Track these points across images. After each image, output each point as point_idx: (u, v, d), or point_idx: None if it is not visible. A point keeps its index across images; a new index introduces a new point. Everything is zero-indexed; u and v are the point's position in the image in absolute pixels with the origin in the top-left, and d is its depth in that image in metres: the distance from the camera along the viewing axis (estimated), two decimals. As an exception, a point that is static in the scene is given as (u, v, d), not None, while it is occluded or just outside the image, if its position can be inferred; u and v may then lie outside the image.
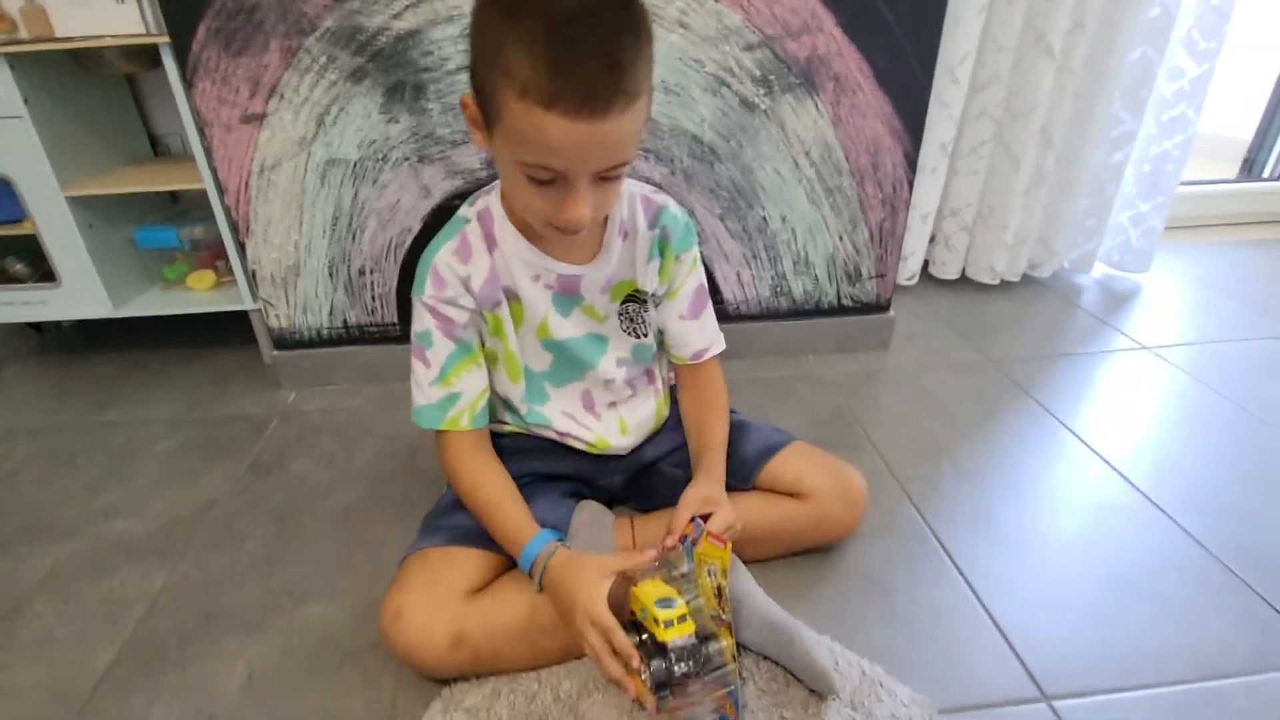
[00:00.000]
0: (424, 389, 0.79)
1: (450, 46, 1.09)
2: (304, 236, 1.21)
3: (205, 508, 1.04)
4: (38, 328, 1.57)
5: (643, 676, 0.65)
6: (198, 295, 1.39)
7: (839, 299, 1.39)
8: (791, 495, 0.87)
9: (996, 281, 1.67)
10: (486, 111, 0.63)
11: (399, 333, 1.32)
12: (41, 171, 1.20)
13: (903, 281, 1.66)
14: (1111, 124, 1.54)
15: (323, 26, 1.06)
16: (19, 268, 1.34)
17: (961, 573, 0.90)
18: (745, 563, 0.84)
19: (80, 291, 1.31)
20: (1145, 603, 0.85)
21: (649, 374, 0.91)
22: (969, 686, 0.75)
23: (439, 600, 0.73)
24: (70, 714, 0.75)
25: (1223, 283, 1.72)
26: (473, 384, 0.80)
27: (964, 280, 1.71)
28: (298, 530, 0.99)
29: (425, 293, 0.77)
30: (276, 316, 1.29)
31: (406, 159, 1.16)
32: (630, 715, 0.71)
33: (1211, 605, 0.85)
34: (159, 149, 1.48)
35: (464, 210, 0.79)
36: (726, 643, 0.68)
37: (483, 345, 0.82)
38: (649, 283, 0.83)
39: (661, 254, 0.82)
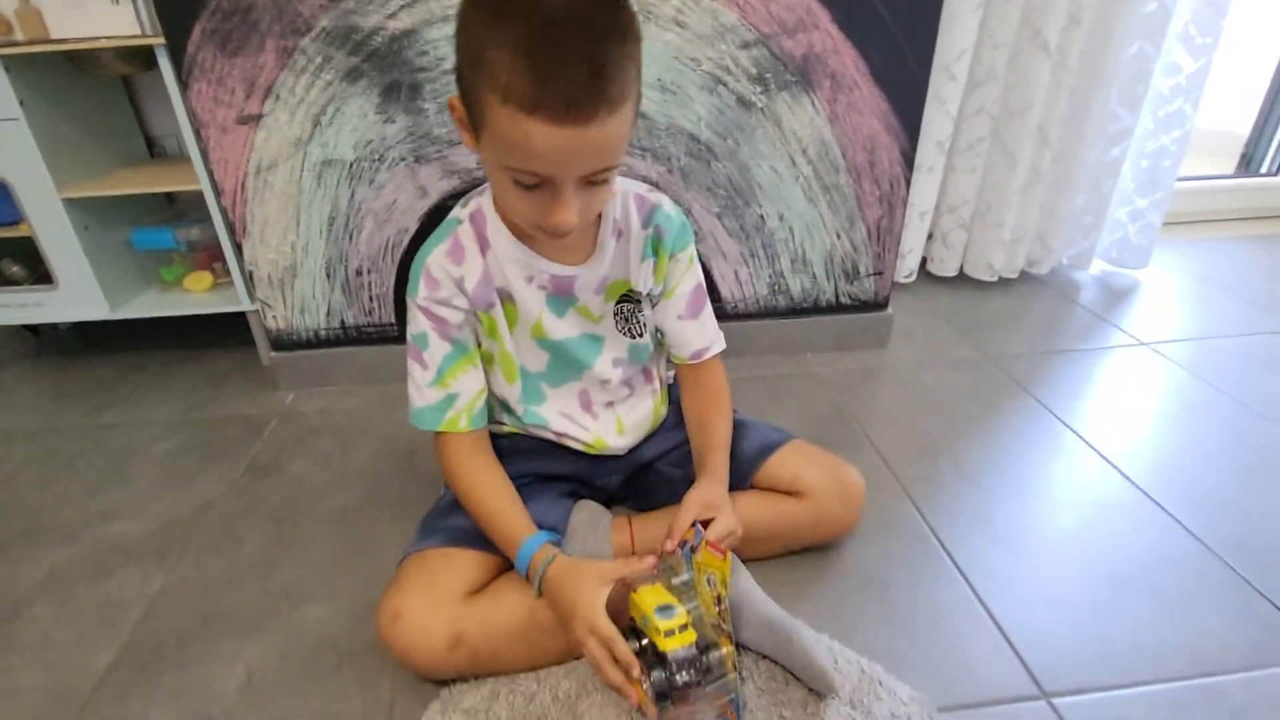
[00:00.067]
0: (422, 390, 0.79)
1: (446, 46, 1.09)
2: (301, 237, 1.21)
3: (203, 509, 1.04)
4: (35, 330, 1.57)
5: (644, 686, 0.64)
6: (195, 297, 1.39)
7: (837, 297, 1.38)
8: (790, 494, 0.86)
9: (994, 278, 1.67)
10: (472, 114, 0.62)
11: (396, 333, 1.31)
12: (37, 173, 1.20)
13: (900, 279, 1.66)
14: (1109, 120, 1.54)
15: (318, 26, 1.06)
16: (15, 270, 1.34)
17: (960, 570, 0.90)
18: (744, 562, 0.84)
19: (77, 294, 1.31)
20: (1144, 599, 0.85)
21: (646, 373, 0.91)
22: (968, 684, 0.75)
23: (437, 601, 0.73)
24: (69, 716, 0.75)
25: (1221, 278, 1.71)
26: (470, 385, 0.80)
27: (962, 277, 1.71)
28: (296, 531, 0.99)
29: (419, 294, 0.76)
30: (274, 317, 1.29)
31: (403, 159, 1.16)
32: (630, 716, 0.71)
33: (1211, 601, 0.85)
34: (155, 150, 1.48)
35: (456, 211, 0.78)
36: (727, 650, 0.68)
37: (479, 346, 0.82)
38: (643, 283, 0.82)
39: (655, 253, 0.82)
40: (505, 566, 0.79)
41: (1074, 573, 0.89)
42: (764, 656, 0.76)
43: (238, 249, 1.23)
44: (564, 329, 0.82)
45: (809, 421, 1.20)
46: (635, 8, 1.07)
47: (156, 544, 0.98)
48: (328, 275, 1.25)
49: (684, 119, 1.18)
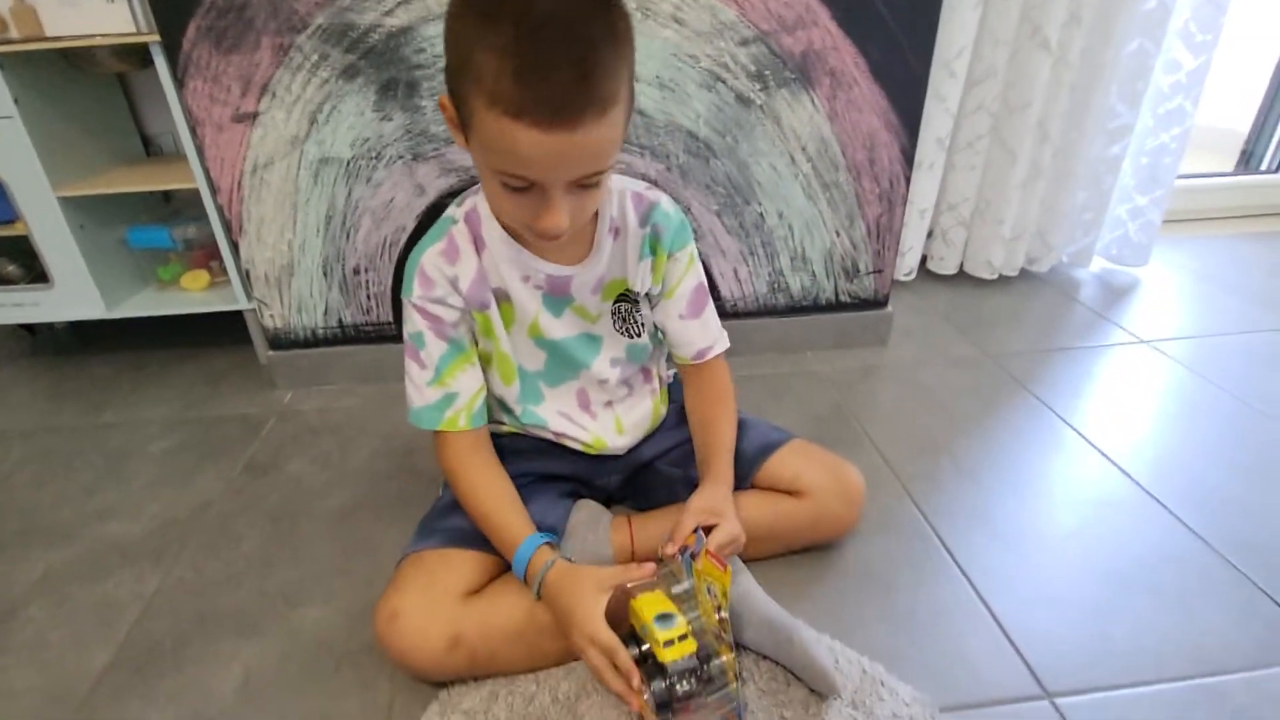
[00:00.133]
0: (420, 390, 0.78)
1: (442, 43, 1.08)
2: (298, 236, 1.21)
3: (200, 509, 1.04)
4: (31, 329, 1.56)
5: (645, 696, 0.64)
6: (192, 295, 1.38)
7: (836, 295, 1.38)
8: (790, 493, 0.86)
9: (994, 276, 1.67)
10: (461, 115, 0.61)
11: (394, 332, 1.31)
12: (33, 172, 1.19)
13: (900, 277, 1.66)
14: (1108, 117, 1.53)
15: (314, 24, 1.05)
16: (11, 269, 1.34)
17: (961, 569, 0.90)
18: (745, 562, 0.84)
19: (73, 292, 1.30)
20: (1146, 597, 0.85)
21: (645, 373, 0.91)
22: (971, 684, 0.75)
23: (435, 602, 0.73)
24: (65, 717, 0.74)
25: (1221, 276, 1.71)
26: (469, 383, 0.79)
27: (962, 275, 1.71)
28: (293, 531, 0.99)
29: (414, 294, 0.76)
30: (271, 316, 1.28)
31: (400, 157, 1.16)
32: (629, 717, 0.70)
33: (1212, 600, 0.85)
34: (151, 149, 1.47)
35: (451, 210, 0.78)
36: (728, 659, 0.68)
37: (475, 345, 0.81)
38: (641, 282, 0.82)
39: (653, 252, 0.81)
40: (504, 567, 0.78)
41: (1075, 571, 0.89)
42: (765, 657, 0.76)
43: (234, 247, 1.22)
44: (561, 328, 0.82)
45: (809, 420, 1.20)
46: (631, 6, 1.06)
47: (153, 544, 0.97)
48: (325, 274, 1.24)
49: (683, 116, 1.17)
